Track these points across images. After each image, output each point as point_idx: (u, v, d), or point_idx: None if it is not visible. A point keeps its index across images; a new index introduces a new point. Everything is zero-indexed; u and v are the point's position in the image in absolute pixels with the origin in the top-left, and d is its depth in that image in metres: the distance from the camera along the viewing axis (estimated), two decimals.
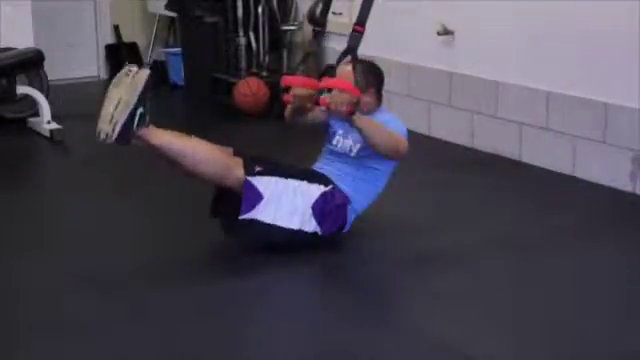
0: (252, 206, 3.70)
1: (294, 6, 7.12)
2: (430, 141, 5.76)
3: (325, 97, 3.75)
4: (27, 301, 3.46)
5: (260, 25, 6.91)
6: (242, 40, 6.90)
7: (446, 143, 5.71)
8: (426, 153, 5.46)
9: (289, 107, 4.06)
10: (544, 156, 5.16)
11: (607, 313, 3.35)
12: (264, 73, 6.86)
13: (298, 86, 3.92)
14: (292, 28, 7.04)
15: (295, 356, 3.07)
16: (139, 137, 3.62)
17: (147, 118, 3.62)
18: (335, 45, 6.71)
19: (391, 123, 3.91)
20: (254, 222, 3.72)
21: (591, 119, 4.87)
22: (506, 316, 3.33)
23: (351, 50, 3.85)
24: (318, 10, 3.88)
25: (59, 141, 5.77)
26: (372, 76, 3.96)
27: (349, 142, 3.97)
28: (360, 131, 3.77)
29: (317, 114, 4.05)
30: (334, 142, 4.04)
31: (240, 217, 3.70)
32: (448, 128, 5.77)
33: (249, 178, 3.71)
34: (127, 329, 3.23)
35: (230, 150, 3.91)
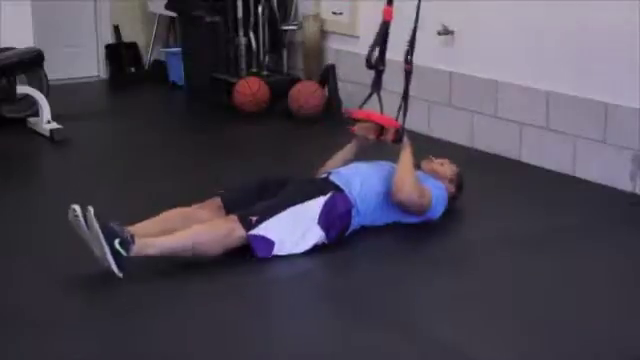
0: (267, 253, 3.75)
1: (294, 6, 7.12)
2: (430, 141, 5.76)
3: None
4: (27, 301, 3.46)
5: (260, 25, 6.91)
6: (242, 40, 6.90)
7: (446, 143, 5.70)
8: (426, 153, 5.46)
9: (353, 141, 4.31)
10: (544, 156, 5.16)
11: (607, 313, 3.35)
12: (264, 73, 6.86)
13: (363, 119, 4.19)
14: (292, 28, 7.04)
15: (295, 356, 3.07)
16: (137, 256, 3.57)
17: (127, 237, 3.53)
18: (335, 45, 6.73)
19: (429, 184, 4.12)
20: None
21: (591, 119, 4.87)
22: (507, 316, 3.33)
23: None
24: (375, 56, 4.08)
25: (59, 141, 5.77)
26: (460, 184, 4.37)
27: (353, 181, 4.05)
28: (401, 154, 4.04)
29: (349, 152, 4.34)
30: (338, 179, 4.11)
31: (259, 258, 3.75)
32: (448, 128, 5.77)
33: (251, 233, 3.72)
34: (126, 328, 3.23)
35: (217, 201, 3.94)
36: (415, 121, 5.83)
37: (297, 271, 3.75)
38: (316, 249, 3.84)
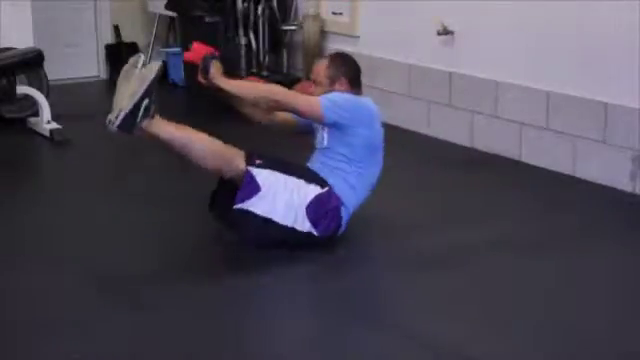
0: (248, 197, 3.74)
1: (294, 6, 7.12)
2: (430, 141, 5.76)
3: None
4: (27, 301, 3.46)
5: (260, 25, 6.91)
6: (242, 40, 6.90)
7: (446, 143, 5.71)
8: (426, 153, 5.47)
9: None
10: (544, 156, 5.16)
11: (607, 313, 3.36)
12: (264, 73, 6.86)
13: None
14: (292, 28, 7.04)
15: (294, 356, 3.07)
16: (142, 129, 3.66)
17: (152, 109, 3.67)
18: (335, 45, 6.73)
19: (328, 95, 3.92)
20: (248, 214, 3.74)
21: (591, 119, 4.87)
22: (506, 316, 3.33)
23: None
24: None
25: (59, 141, 5.77)
26: (344, 67, 4.06)
27: (320, 134, 4.03)
28: (230, 93, 3.98)
29: (287, 118, 4.23)
30: (315, 141, 4.10)
31: (235, 207, 3.72)
32: (448, 128, 5.78)
33: (250, 168, 3.76)
34: (125, 328, 3.23)
35: (233, 147, 3.94)
36: (415, 121, 5.84)
37: (297, 271, 3.75)
38: (313, 249, 3.84)
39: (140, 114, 3.61)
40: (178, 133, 3.76)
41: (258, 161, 3.80)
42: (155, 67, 3.71)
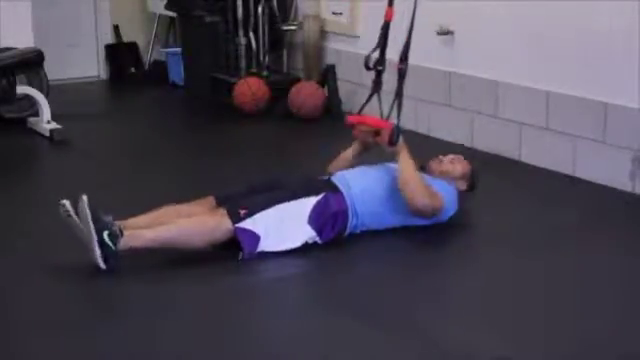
0: (254, 247, 3.74)
1: (294, 6, 7.12)
2: (430, 141, 5.76)
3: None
4: (27, 300, 3.46)
5: (260, 25, 6.91)
6: (242, 40, 6.90)
7: (446, 143, 5.70)
8: (426, 153, 5.46)
9: (355, 143, 4.28)
10: (544, 156, 5.16)
11: (607, 313, 3.35)
12: (264, 73, 6.86)
13: (362, 124, 4.17)
14: (292, 28, 7.04)
15: (294, 356, 3.07)
16: (125, 249, 3.59)
17: (117, 232, 3.56)
18: (335, 45, 6.73)
19: (438, 186, 4.06)
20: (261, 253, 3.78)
21: (591, 119, 4.87)
22: (506, 316, 3.33)
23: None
24: (373, 57, 4.11)
25: (59, 141, 5.77)
26: (474, 181, 4.34)
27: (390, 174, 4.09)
28: (398, 160, 4.00)
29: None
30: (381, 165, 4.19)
31: (246, 258, 3.73)
32: (448, 128, 5.77)
33: (238, 225, 3.72)
34: (125, 328, 3.23)
35: (210, 199, 3.95)
36: (415, 121, 5.84)
37: (296, 272, 3.75)
38: (314, 249, 3.84)
39: (111, 245, 3.53)
40: (157, 233, 3.66)
41: (243, 212, 3.74)
42: (83, 204, 3.54)
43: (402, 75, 4.08)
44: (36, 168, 5.62)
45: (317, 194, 3.87)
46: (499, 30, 5.39)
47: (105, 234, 3.54)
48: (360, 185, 3.99)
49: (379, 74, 4.11)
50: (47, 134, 5.84)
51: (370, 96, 4.15)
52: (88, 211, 3.53)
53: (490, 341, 3.12)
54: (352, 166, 4.21)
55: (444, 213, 4.09)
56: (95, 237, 3.53)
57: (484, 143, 5.54)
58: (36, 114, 6.02)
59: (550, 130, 5.12)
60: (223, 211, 3.76)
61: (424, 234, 4.11)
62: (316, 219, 3.83)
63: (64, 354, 3.05)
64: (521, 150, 5.31)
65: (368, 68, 4.11)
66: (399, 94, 4.06)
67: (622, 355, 3.04)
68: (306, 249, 3.83)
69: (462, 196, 4.25)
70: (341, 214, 3.90)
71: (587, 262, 3.84)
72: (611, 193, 4.72)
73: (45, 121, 5.91)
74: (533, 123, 5.22)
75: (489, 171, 5.16)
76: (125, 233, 3.59)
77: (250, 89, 6.51)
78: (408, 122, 5.74)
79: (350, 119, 4.25)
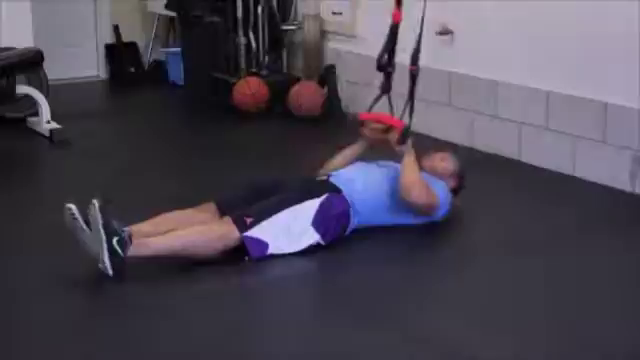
0: (262, 253, 3.74)
1: (294, 6, 7.11)
2: (429, 141, 5.75)
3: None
4: (27, 300, 3.46)
5: (260, 25, 6.91)
6: (242, 40, 6.90)
7: (446, 143, 5.70)
8: (425, 153, 5.45)
9: (360, 141, 4.30)
10: (544, 156, 5.16)
11: (607, 313, 3.35)
12: (264, 73, 6.86)
13: (372, 120, 4.21)
14: (292, 28, 7.04)
15: (294, 356, 3.06)
16: (132, 258, 3.56)
17: (125, 238, 3.54)
18: (335, 45, 6.72)
19: (434, 185, 4.10)
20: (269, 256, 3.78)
21: (591, 119, 4.87)
22: (506, 316, 3.33)
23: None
24: (384, 58, 4.14)
25: (59, 141, 5.77)
26: (462, 180, 4.35)
27: (387, 174, 4.11)
28: (403, 160, 4.03)
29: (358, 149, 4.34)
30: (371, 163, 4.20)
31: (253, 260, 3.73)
32: (448, 128, 5.77)
33: (246, 234, 3.71)
34: (125, 327, 3.23)
35: (211, 206, 3.93)
36: (415, 121, 5.83)
37: (296, 272, 3.75)
38: (315, 250, 3.84)
39: (120, 252, 3.51)
40: (164, 242, 3.64)
41: (248, 220, 3.73)
42: (95, 209, 3.52)
43: (414, 77, 4.11)
44: (36, 168, 5.62)
45: (319, 196, 3.87)
46: (499, 30, 5.39)
47: (115, 240, 3.51)
48: (361, 184, 3.99)
49: (388, 76, 4.12)
50: (47, 134, 5.84)
51: (378, 97, 4.15)
52: (99, 216, 3.50)
53: (490, 341, 3.12)
54: (347, 165, 4.22)
55: (439, 211, 4.12)
56: (105, 244, 3.50)
57: (484, 143, 5.54)
58: (36, 114, 6.02)
59: (550, 130, 5.12)
60: (229, 219, 3.74)
61: (424, 234, 4.11)
62: (320, 221, 3.83)
63: (64, 354, 3.05)
64: (521, 150, 5.31)
65: (380, 69, 4.12)
66: (411, 96, 4.10)
67: (622, 355, 3.04)
68: (306, 249, 3.83)
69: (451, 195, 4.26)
70: (344, 215, 3.91)
71: (587, 262, 3.84)
72: (611, 193, 4.72)
73: (45, 121, 5.91)
74: (533, 123, 5.22)
75: (489, 171, 5.17)
76: (134, 241, 3.57)
77: (250, 89, 6.51)
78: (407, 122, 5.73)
79: (363, 116, 4.26)
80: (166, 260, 3.68)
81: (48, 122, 5.91)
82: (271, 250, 3.75)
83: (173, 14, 7.56)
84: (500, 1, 5.34)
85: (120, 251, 3.51)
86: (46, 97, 6.05)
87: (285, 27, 7.01)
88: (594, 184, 4.85)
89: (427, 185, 4.04)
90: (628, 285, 3.64)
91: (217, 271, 3.69)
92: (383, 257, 3.94)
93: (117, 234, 3.52)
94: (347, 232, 3.97)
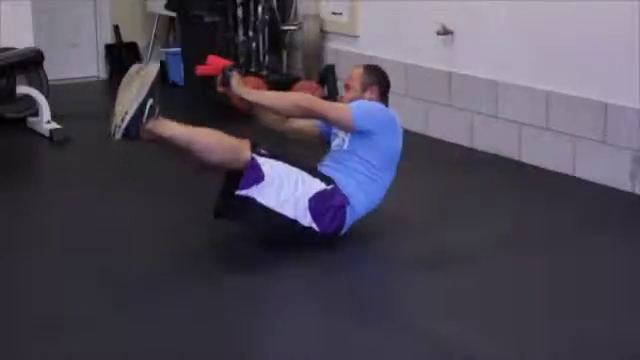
0: (252, 184, 3.74)
1: (294, 6, 7.12)
2: (429, 141, 5.76)
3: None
4: (27, 300, 3.47)
5: (260, 25, 6.90)
6: (242, 40, 6.89)
7: (446, 143, 5.71)
8: (425, 153, 5.46)
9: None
10: (544, 156, 5.16)
11: (607, 313, 3.36)
12: (264, 73, 6.86)
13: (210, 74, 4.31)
14: (292, 28, 7.04)
15: (294, 355, 3.07)
16: (149, 130, 3.65)
17: (157, 110, 3.67)
18: (335, 45, 6.73)
19: (358, 103, 4.00)
20: (250, 201, 3.74)
21: (591, 119, 4.87)
22: (507, 315, 3.33)
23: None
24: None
25: (59, 141, 5.77)
26: (377, 78, 4.14)
27: (341, 137, 4.04)
28: (253, 102, 4.06)
29: (307, 125, 4.27)
30: (332, 144, 4.08)
31: (237, 192, 3.72)
32: (448, 128, 5.78)
33: (255, 156, 3.76)
34: (125, 327, 3.23)
35: (246, 142, 3.93)
36: (415, 121, 5.84)
37: (296, 271, 3.75)
38: (313, 249, 3.84)
39: (145, 114, 3.62)
40: (182, 130, 3.76)
41: (264, 151, 3.82)
42: (154, 69, 3.72)
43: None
44: (36, 168, 5.62)
45: (328, 184, 3.88)
46: (499, 30, 5.39)
47: (150, 102, 3.62)
48: (346, 176, 3.97)
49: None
50: (47, 134, 5.84)
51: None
52: (154, 76, 3.66)
53: (490, 341, 3.13)
54: (282, 122, 4.27)
55: (369, 116, 3.94)
56: (141, 98, 3.61)
57: (484, 143, 5.54)
58: (36, 114, 6.02)
59: (550, 130, 5.12)
60: (247, 141, 3.81)
61: (424, 234, 4.12)
62: (317, 204, 3.82)
63: (64, 354, 3.05)
64: (521, 150, 5.31)
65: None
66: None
67: (622, 355, 3.05)
68: (305, 249, 3.84)
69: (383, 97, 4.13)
70: (341, 209, 3.89)
71: (587, 262, 3.85)
72: (611, 193, 4.72)
73: (45, 121, 5.91)
74: (533, 123, 5.22)
75: (489, 171, 5.17)
76: (160, 118, 3.68)
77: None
78: (408, 122, 5.75)
79: (199, 71, 4.31)
80: (167, 260, 3.68)
81: (48, 122, 5.91)
82: (260, 189, 3.72)
83: (173, 14, 7.57)
84: (500, 1, 5.35)
85: (146, 115, 3.62)
86: (46, 97, 6.05)
87: (285, 27, 7.01)
88: (594, 184, 4.85)
89: (285, 93, 4.06)
90: (628, 285, 3.64)
91: (217, 271, 3.70)
92: (383, 257, 3.95)
93: (154, 99, 3.64)
94: (343, 231, 3.95)
